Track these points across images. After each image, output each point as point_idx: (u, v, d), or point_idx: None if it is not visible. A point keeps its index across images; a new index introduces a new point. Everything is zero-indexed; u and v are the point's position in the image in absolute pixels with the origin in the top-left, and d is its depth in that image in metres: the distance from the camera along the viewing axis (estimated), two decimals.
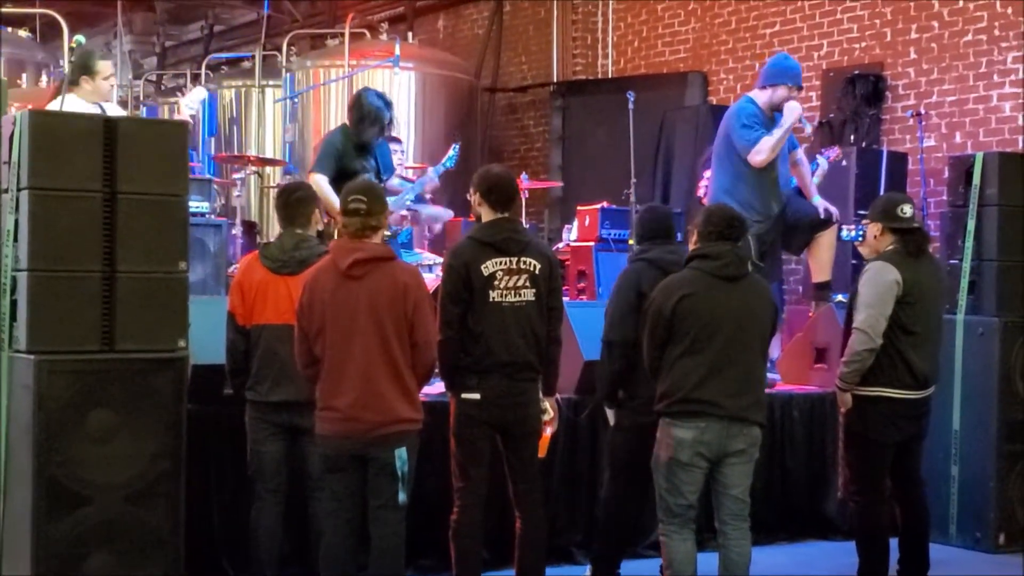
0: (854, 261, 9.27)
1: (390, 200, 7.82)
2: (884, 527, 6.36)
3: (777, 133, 8.04)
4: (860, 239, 6.74)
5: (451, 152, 8.43)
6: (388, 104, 7.80)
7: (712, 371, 5.49)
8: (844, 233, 6.92)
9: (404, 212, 8.28)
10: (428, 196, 9.03)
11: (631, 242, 8.76)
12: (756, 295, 5.71)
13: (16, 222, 5.19)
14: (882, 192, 9.28)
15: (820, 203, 8.33)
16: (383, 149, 7.98)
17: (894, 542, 6.43)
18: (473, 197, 5.81)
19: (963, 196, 7.80)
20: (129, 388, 5.24)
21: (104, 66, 7.34)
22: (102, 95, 7.34)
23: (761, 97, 8.24)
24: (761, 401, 5.69)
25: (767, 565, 6.53)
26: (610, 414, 6.28)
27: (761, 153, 8.04)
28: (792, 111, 8.09)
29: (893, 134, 10.68)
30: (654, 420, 5.79)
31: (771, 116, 8.18)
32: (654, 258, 6.16)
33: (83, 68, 7.12)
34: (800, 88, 8.41)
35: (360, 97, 7.82)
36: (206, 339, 5.93)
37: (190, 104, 8.06)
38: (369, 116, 7.67)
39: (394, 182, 8.29)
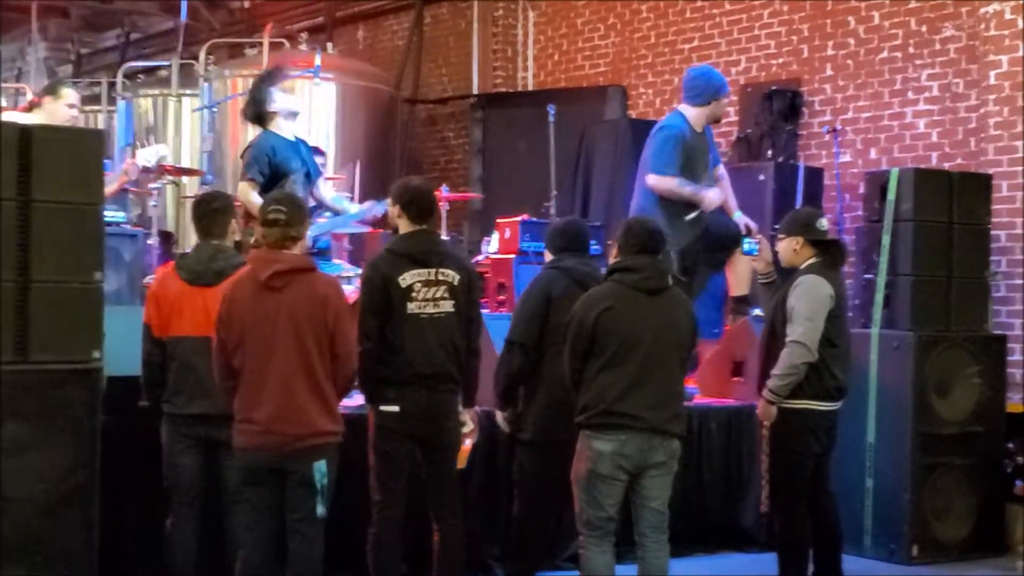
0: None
1: (322, 223, 7.74)
2: (806, 539, 6.42)
3: (685, 192, 7.94)
4: (756, 253, 6.79)
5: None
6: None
7: (633, 384, 5.50)
8: (745, 246, 6.96)
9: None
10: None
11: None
12: (677, 308, 5.74)
13: None
14: (798, 207, 9.36)
15: (741, 219, 8.39)
16: (309, 153, 7.82)
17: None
18: (392, 209, 5.79)
19: (878, 211, 7.92)
20: (43, 399, 5.16)
21: (67, 92, 7.46)
22: (59, 119, 7.41)
23: (692, 113, 8.19)
24: (681, 414, 5.72)
25: None
26: (500, 418, 6.27)
27: (658, 187, 7.96)
28: (712, 202, 8.02)
29: (810, 149, 10.78)
30: (558, 437, 5.82)
31: (702, 131, 8.21)
32: (567, 267, 6.20)
33: (47, 89, 7.32)
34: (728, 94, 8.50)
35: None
36: (121, 350, 5.84)
37: (148, 157, 8.09)
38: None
39: (328, 194, 8.07)
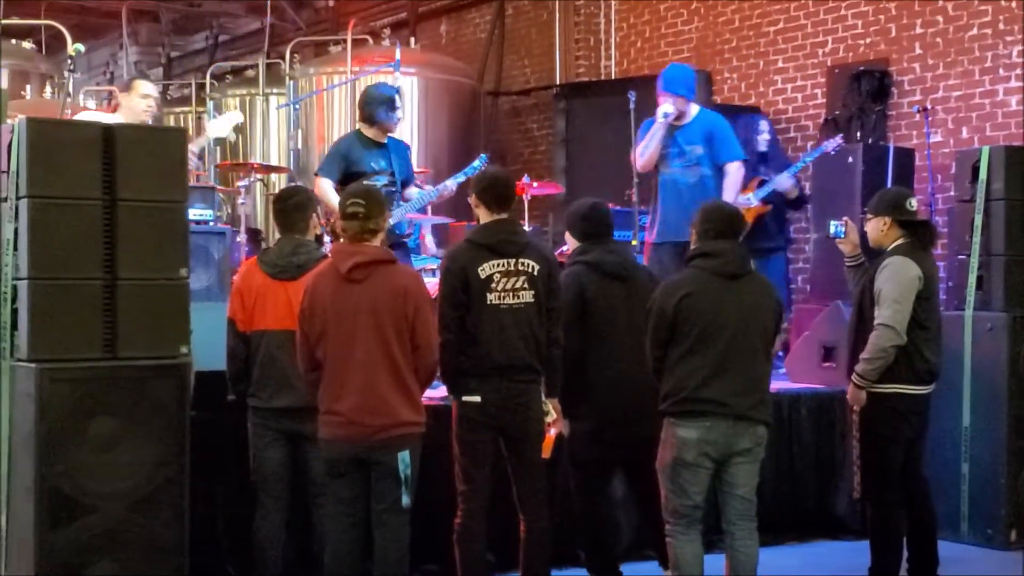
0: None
1: (400, 207, 7.84)
2: (899, 526, 6.32)
3: (644, 140, 8.58)
4: (842, 235, 6.66)
5: (476, 163, 8.33)
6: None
7: (716, 370, 5.44)
8: (831, 229, 6.84)
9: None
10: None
11: (634, 243, 8.73)
12: (759, 293, 5.65)
13: (16, 231, 5.18)
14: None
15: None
16: (402, 153, 8.04)
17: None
18: (471, 199, 5.79)
19: (970, 191, 7.77)
20: (131, 395, 5.22)
21: (140, 84, 7.66)
22: (137, 112, 7.57)
23: None
24: (766, 400, 5.64)
25: (777, 566, 6.49)
26: None
27: (636, 161, 8.67)
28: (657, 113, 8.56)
29: (899, 130, 10.62)
30: (612, 441, 5.87)
31: (677, 125, 8.65)
32: (594, 260, 6.07)
33: (123, 86, 7.55)
34: (670, 94, 8.65)
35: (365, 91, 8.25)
36: (209, 345, 5.91)
37: (220, 129, 8.43)
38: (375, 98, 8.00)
39: (412, 191, 8.21)
